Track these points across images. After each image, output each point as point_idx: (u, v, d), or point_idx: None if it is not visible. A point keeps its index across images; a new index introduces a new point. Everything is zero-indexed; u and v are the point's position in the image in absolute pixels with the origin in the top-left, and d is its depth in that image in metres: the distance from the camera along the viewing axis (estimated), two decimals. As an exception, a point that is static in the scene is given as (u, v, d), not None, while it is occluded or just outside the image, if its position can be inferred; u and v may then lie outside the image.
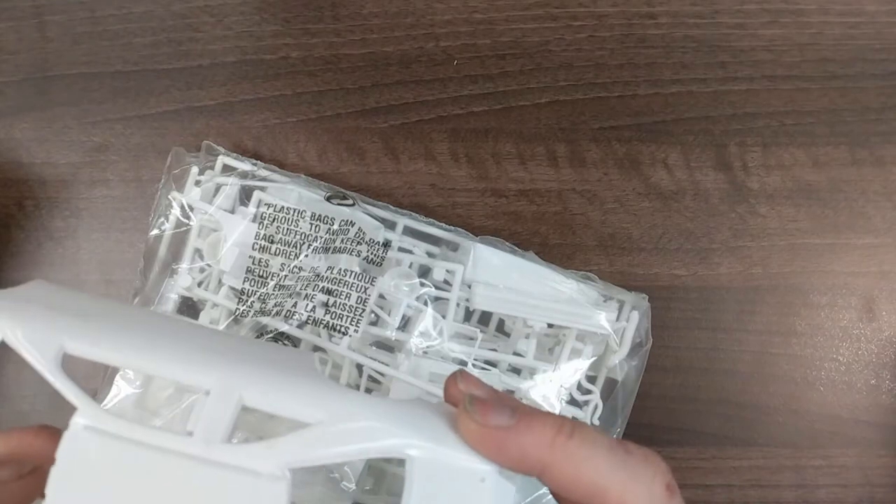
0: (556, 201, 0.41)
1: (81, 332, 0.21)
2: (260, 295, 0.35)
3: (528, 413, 0.21)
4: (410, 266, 0.36)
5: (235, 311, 0.35)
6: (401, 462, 0.37)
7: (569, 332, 0.35)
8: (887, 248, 0.41)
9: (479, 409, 0.21)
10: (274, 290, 0.35)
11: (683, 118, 0.41)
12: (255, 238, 0.35)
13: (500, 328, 0.38)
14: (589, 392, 0.36)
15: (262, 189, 0.36)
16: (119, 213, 0.41)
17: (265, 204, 0.36)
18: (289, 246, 0.35)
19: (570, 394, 0.35)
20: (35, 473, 0.22)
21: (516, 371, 0.36)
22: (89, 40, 0.41)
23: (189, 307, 0.37)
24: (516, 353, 0.35)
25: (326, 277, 0.34)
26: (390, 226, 0.37)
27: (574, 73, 0.41)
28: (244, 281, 0.35)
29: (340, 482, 0.33)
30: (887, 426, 0.40)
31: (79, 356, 0.21)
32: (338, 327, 0.34)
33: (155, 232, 0.37)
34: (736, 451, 0.40)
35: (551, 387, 0.35)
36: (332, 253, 0.35)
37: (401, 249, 0.37)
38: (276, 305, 0.34)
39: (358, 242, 0.35)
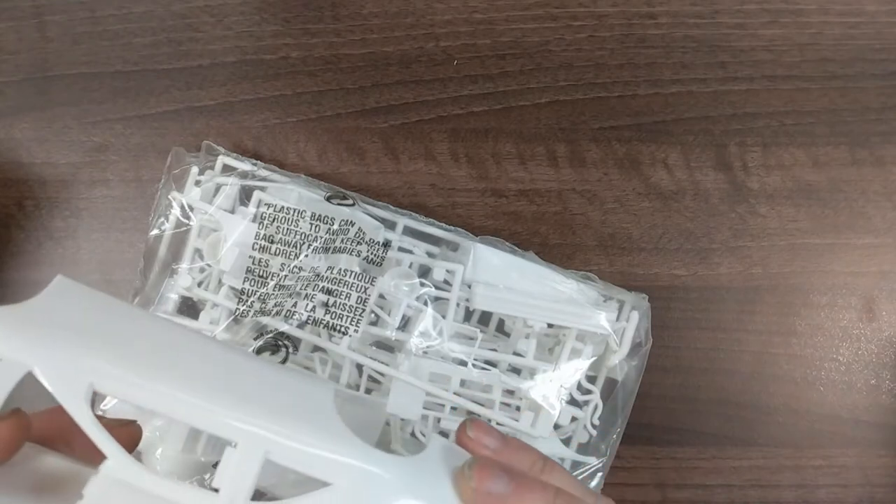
0: (556, 201, 0.41)
1: (111, 366, 0.21)
2: (260, 295, 0.35)
3: (523, 484, 0.23)
4: (410, 266, 0.36)
5: (235, 311, 0.35)
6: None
7: (569, 332, 0.35)
8: (887, 248, 0.41)
9: (476, 475, 0.23)
10: (274, 290, 0.35)
11: (683, 118, 0.41)
12: (255, 238, 0.35)
13: (500, 328, 0.38)
14: (589, 392, 0.36)
15: (262, 189, 0.36)
16: (119, 213, 0.41)
17: (265, 204, 0.36)
18: (289, 246, 0.35)
19: (570, 394, 0.35)
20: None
21: (516, 371, 0.36)
22: (89, 40, 0.41)
23: (189, 307, 0.37)
24: (516, 353, 0.35)
25: (326, 277, 0.34)
26: (390, 226, 0.37)
27: (574, 73, 0.41)
28: (244, 281, 0.35)
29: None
30: (887, 426, 0.40)
31: (108, 394, 0.21)
32: (338, 327, 0.34)
33: (155, 232, 0.37)
34: (736, 451, 0.40)
35: (551, 387, 0.35)
36: (332, 253, 0.35)
37: (401, 249, 0.37)
38: (276, 305, 0.34)
39: (358, 242, 0.35)
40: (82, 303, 0.23)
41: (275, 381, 0.23)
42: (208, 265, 0.36)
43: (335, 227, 0.36)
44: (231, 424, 0.21)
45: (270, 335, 0.35)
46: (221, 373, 0.23)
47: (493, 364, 0.35)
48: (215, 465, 0.35)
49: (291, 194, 0.37)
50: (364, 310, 0.34)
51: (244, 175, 0.37)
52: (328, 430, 0.22)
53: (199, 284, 0.36)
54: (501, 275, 0.36)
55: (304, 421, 0.22)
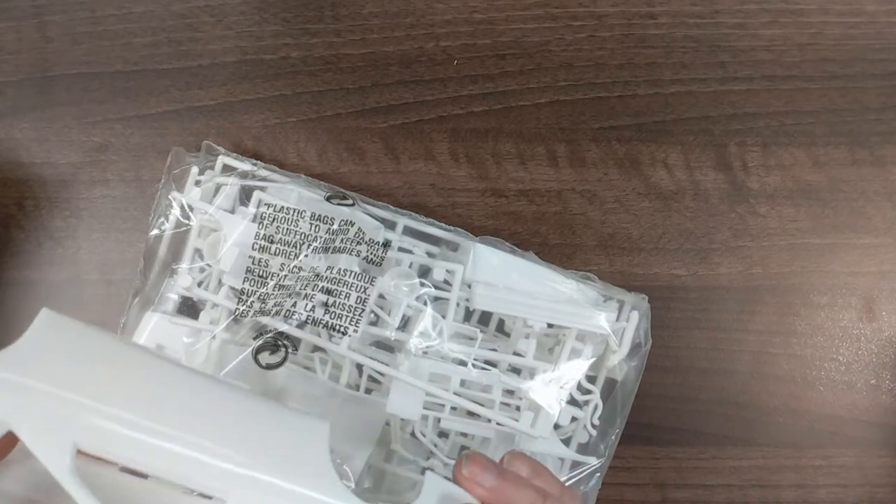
0: (556, 201, 0.41)
1: (97, 422, 0.20)
2: (260, 295, 0.35)
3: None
4: (410, 266, 0.36)
5: (235, 311, 0.35)
6: (401, 461, 0.37)
7: (569, 332, 0.35)
8: (887, 248, 0.41)
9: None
10: (274, 290, 0.35)
11: (683, 118, 0.41)
12: (255, 238, 0.35)
13: (500, 328, 0.38)
14: (589, 392, 0.36)
15: (262, 189, 0.36)
16: (119, 213, 0.41)
17: (265, 204, 0.36)
18: (289, 246, 0.35)
19: (570, 394, 0.35)
20: None
21: (516, 371, 0.36)
22: (89, 40, 0.41)
23: (189, 307, 0.37)
24: (516, 353, 0.35)
25: (326, 277, 0.34)
26: (390, 226, 0.37)
27: (574, 73, 0.41)
28: (244, 281, 0.35)
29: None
30: (887, 426, 0.40)
31: (93, 454, 0.21)
32: (337, 327, 0.34)
33: (155, 232, 0.37)
34: (736, 451, 0.40)
35: (551, 387, 0.35)
36: (332, 253, 0.35)
37: (401, 249, 0.37)
38: (275, 305, 0.34)
39: (358, 242, 0.35)
40: (66, 345, 0.22)
41: (268, 429, 0.23)
42: (208, 265, 0.36)
43: (335, 227, 0.36)
44: (221, 480, 0.21)
45: (270, 335, 0.34)
46: (213, 426, 0.22)
47: (492, 364, 0.35)
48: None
49: (291, 194, 0.37)
50: (364, 310, 0.34)
51: (244, 175, 0.37)
52: (318, 480, 0.22)
53: (199, 284, 0.36)
54: (501, 275, 0.35)
55: (294, 468, 0.22)
